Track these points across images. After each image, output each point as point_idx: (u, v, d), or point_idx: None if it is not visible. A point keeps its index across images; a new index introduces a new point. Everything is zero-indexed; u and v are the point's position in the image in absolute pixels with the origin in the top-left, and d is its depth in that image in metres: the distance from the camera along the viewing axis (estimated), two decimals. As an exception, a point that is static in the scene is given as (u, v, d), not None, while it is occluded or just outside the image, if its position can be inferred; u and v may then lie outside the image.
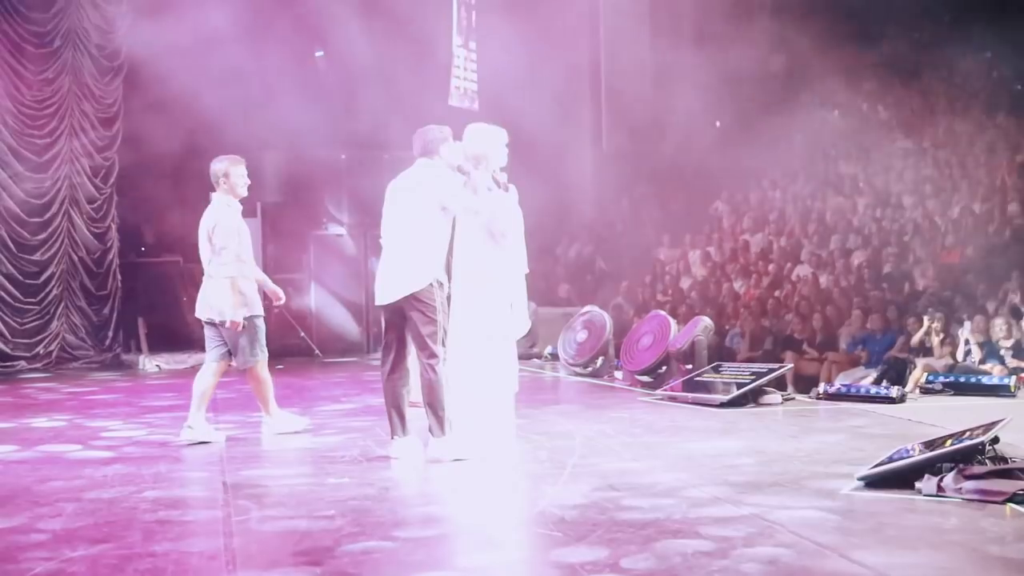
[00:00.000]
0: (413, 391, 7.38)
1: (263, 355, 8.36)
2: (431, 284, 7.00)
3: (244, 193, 8.44)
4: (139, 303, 14.91)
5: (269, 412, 8.55)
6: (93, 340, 14.49)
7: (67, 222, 14.38)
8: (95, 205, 14.54)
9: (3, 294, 14.05)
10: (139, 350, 14.46)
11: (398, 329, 7.15)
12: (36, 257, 14.19)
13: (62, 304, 14.37)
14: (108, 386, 12.40)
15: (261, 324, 8.35)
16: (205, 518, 5.76)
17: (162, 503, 6.13)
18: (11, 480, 6.91)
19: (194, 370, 13.51)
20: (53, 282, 14.31)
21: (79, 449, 8.10)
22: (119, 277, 14.77)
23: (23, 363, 13.93)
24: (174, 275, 15.49)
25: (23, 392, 11.98)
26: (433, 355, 6.97)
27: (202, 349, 14.10)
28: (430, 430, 7.05)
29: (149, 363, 13.97)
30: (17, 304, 14.06)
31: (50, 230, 14.25)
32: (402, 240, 7.13)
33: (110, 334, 14.58)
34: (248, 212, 15.90)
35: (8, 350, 13.93)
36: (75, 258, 14.46)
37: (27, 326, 14.10)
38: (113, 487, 6.60)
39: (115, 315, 14.66)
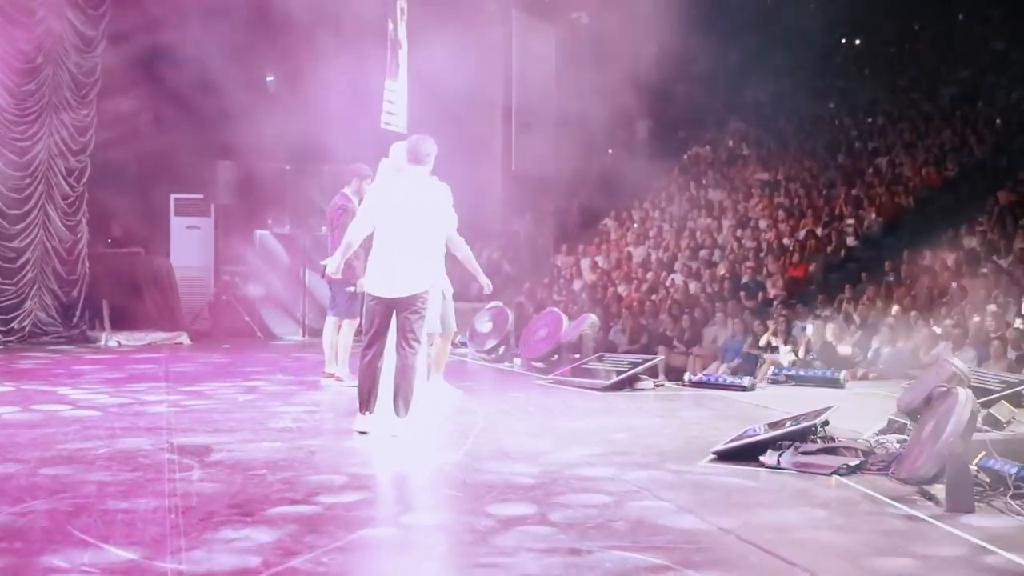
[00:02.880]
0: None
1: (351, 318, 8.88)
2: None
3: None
4: (104, 288, 14.47)
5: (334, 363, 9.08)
6: (62, 318, 14.04)
7: (43, 215, 13.94)
8: (68, 201, 14.11)
9: (-17, 275, 13.62)
10: (103, 328, 14.06)
11: (388, 319, 6.75)
12: (14, 244, 13.75)
13: (35, 286, 13.91)
14: (73, 358, 12.06)
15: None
16: (152, 474, 5.61)
17: (115, 460, 5.97)
18: (-19, 437, 6.68)
19: (150, 347, 13.37)
20: (28, 267, 13.86)
21: (44, 411, 7.81)
22: (87, 264, 14.33)
23: (-1, 335, 13.54)
24: (136, 264, 15.10)
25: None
26: (418, 344, 6.76)
27: (158, 329, 13.96)
28: (395, 411, 6.70)
29: (111, 340, 13.61)
30: (-5, 285, 13.66)
31: (27, 221, 13.80)
32: (417, 243, 6.75)
33: (77, 313, 14.14)
34: (203, 212, 15.86)
35: (-16, 325, 13.55)
36: (49, 247, 14.01)
37: (3, 304, 13.65)
38: (72, 445, 6.41)
39: (82, 297, 14.22)
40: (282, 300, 15.65)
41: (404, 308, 6.72)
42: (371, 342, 6.78)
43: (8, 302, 13.73)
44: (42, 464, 5.81)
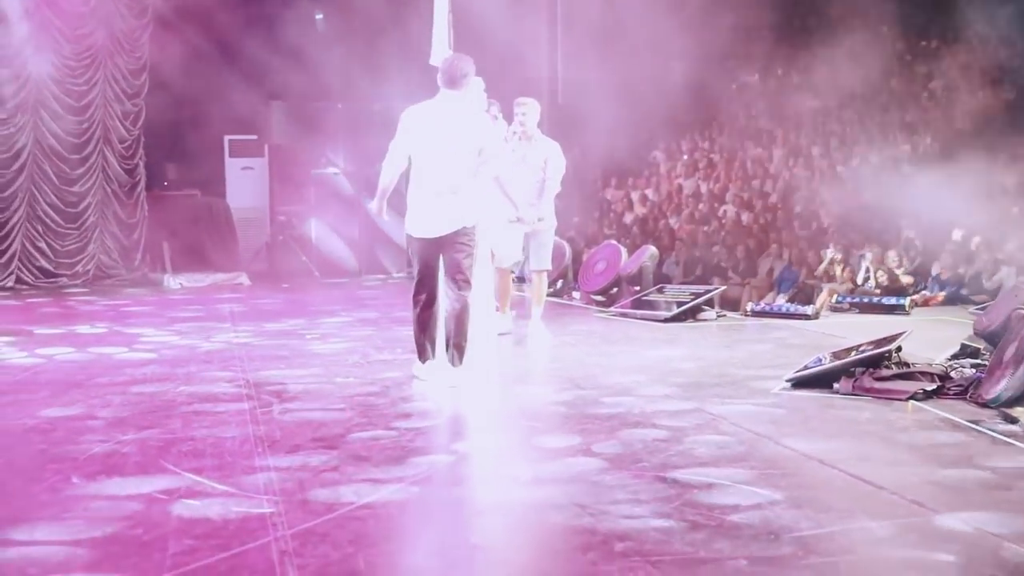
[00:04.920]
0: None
1: None
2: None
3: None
4: (164, 230, 14.61)
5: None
6: (124, 261, 14.25)
7: (101, 159, 14.09)
8: (125, 145, 14.24)
9: (48, 220, 13.82)
10: (164, 270, 14.22)
11: (436, 261, 6.24)
12: (75, 189, 13.93)
13: (97, 230, 14.10)
14: (139, 300, 12.23)
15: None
16: (234, 410, 5.69)
17: (196, 397, 6.06)
18: (64, 376, 6.80)
19: (212, 287, 13.49)
20: (90, 211, 14.05)
21: (120, 351, 7.96)
22: (146, 207, 14.49)
23: (65, 279, 13.75)
24: (193, 206, 15.21)
25: (67, 303, 11.80)
26: (469, 285, 6.25)
27: (218, 270, 14.07)
28: (450, 360, 6.29)
29: (173, 281, 13.75)
30: (59, 229, 13.85)
31: (87, 166, 13.97)
32: (456, 174, 6.14)
33: (139, 256, 14.34)
34: (257, 152, 15.88)
35: (52, 268, 13.79)
36: (108, 190, 14.19)
37: (68, 248, 13.89)
38: (152, 383, 6.51)
39: (143, 240, 14.42)
40: (338, 240, 15.71)
41: (449, 247, 6.19)
42: (419, 288, 6.32)
43: (72, 246, 13.97)
44: (125, 402, 5.91)
